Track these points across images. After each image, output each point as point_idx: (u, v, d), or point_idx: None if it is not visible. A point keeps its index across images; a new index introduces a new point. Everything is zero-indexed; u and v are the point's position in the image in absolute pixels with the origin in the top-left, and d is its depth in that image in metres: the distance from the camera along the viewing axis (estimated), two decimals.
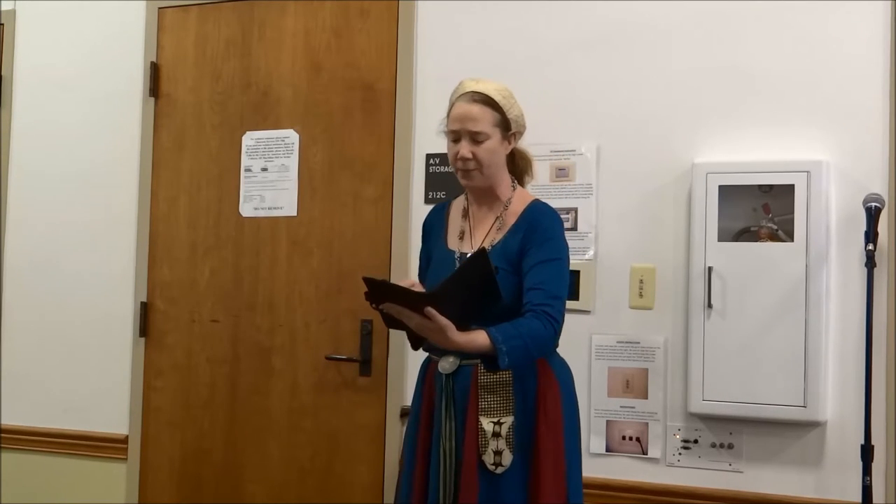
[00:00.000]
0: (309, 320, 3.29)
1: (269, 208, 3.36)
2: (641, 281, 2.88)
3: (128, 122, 3.57)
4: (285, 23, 3.38)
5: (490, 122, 2.35)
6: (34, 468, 3.61)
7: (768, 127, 2.77)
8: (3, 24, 3.78)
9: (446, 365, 2.33)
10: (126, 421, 3.51)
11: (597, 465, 2.85)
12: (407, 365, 3.11)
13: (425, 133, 3.15)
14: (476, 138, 2.35)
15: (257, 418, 3.34)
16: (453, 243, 2.45)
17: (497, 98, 2.36)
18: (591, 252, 2.91)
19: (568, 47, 3.00)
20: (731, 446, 2.77)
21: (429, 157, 3.15)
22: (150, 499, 3.47)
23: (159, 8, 3.55)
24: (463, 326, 2.16)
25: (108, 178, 3.59)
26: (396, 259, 3.15)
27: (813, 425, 2.68)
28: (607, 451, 2.89)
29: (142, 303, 3.51)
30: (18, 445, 3.64)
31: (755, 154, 2.76)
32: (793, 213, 2.67)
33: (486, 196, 2.43)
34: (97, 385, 3.56)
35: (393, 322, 2.19)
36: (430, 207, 3.08)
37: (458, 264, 2.38)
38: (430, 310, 2.10)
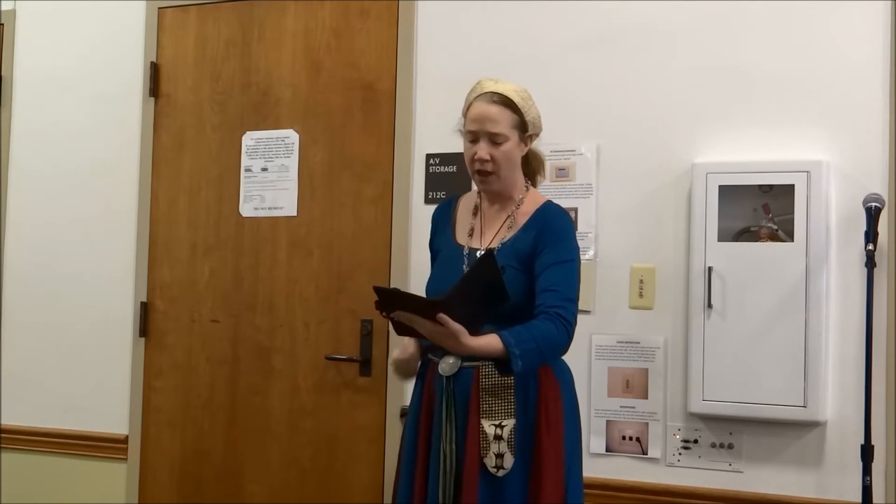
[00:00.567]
0: (309, 320, 3.29)
1: (269, 208, 3.36)
2: (641, 281, 2.88)
3: (128, 122, 3.57)
4: (285, 23, 3.38)
5: (508, 124, 2.34)
6: (34, 468, 3.61)
7: (768, 127, 2.77)
8: (3, 24, 3.78)
9: (446, 367, 2.32)
10: (126, 421, 3.51)
11: (597, 465, 2.85)
12: None
13: (425, 133, 3.16)
14: (495, 140, 2.34)
15: (257, 418, 3.34)
16: (462, 239, 2.45)
17: (516, 99, 2.35)
18: (591, 252, 2.91)
19: (568, 47, 3.00)
20: (731, 446, 2.77)
21: (429, 157, 3.15)
22: (150, 499, 3.47)
23: (159, 8, 3.55)
24: (473, 329, 2.15)
25: (108, 177, 3.59)
26: (396, 259, 3.15)
27: (813, 425, 2.68)
28: (607, 451, 2.89)
29: (142, 303, 3.51)
30: (18, 445, 3.64)
31: (755, 154, 2.76)
32: (793, 213, 2.67)
33: (499, 195, 2.43)
34: (97, 385, 3.56)
35: (404, 329, 2.19)
36: (430, 207, 3.10)
37: (466, 260, 2.38)
38: (443, 316, 2.09)
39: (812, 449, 2.69)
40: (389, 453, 3.13)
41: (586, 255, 2.90)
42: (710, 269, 2.74)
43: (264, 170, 3.38)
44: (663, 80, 2.89)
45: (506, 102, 2.34)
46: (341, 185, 3.28)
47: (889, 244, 2.64)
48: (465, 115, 2.41)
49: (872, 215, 2.54)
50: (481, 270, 2.17)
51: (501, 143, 2.34)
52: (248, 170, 3.40)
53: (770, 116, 2.77)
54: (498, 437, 2.26)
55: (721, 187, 2.74)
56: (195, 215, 3.47)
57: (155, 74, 3.54)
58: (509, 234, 2.37)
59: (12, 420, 3.66)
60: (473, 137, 2.36)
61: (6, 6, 3.78)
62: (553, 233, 2.32)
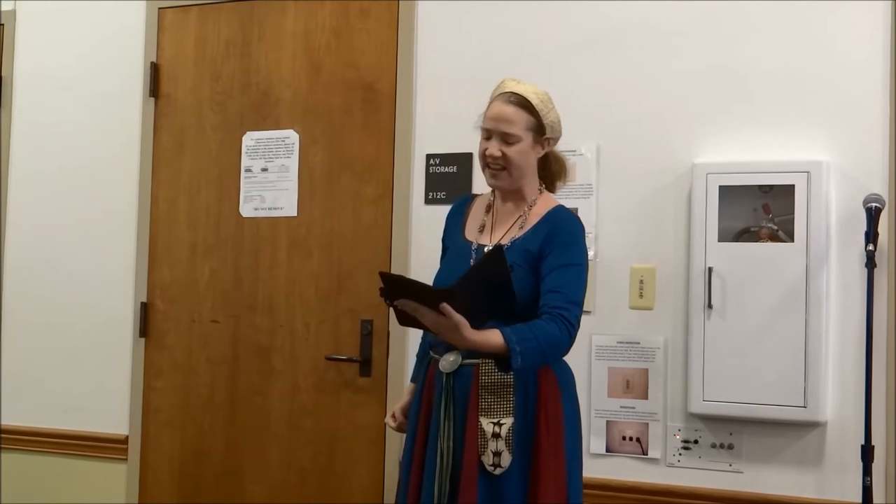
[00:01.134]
0: (309, 320, 3.29)
1: (269, 209, 3.36)
2: (641, 281, 2.88)
3: (128, 122, 3.57)
4: (285, 23, 3.38)
5: (523, 125, 2.35)
6: (34, 468, 3.61)
7: (768, 127, 2.77)
8: (3, 24, 3.78)
9: (447, 364, 2.33)
10: (126, 421, 3.51)
11: (597, 466, 2.85)
12: (407, 365, 3.10)
13: (425, 133, 3.16)
14: (507, 139, 2.35)
15: (257, 418, 3.34)
16: (471, 235, 2.46)
17: (534, 101, 2.36)
18: (592, 252, 2.91)
19: (568, 47, 3.00)
20: (731, 447, 2.77)
21: (429, 157, 3.15)
22: (150, 499, 3.47)
23: (159, 8, 3.55)
24: (477, 324, 2.16)
25: (108, 178, 3.59)
26: (396, 259, 3.15)
27: (813, 425, 2.68)
28: (607, 451, 2.89)
29: (142, 303, 3.51)
30: (18, 445, 3.64)
31: (755, 154, 2.76)
32: (793, 213, 2.67)
33: (512, 195, 2.44)
34: (97, 385, 3.56)
35: (406, 319, 2.18)
36: (430, 208, 3.12)
37: (473, 255, 2.39)
38: (446, 306, 2.09)
39: (812, 449, 2.69)
40: (389, 453, 3.13)
41: None
42: (710, 269, 2.74)
43: (264, 170, 3.38)
44: (663, 80, 2.89)
45: (523, 104, 2.35)
46: (341, 185, 3.28)
47: (889, 244, 2.64)
48: (485, 112, 2.43)
49: (872, 215, 2.54)
50: (488, 264, 2.17)
51: (513, 143, 2.35)
52: (248, 170, 3.40)
53: (770, 116, 2.77)
54: (496, 436, 2.26)
55: (721, 187, 2.74)
56: (195, 215, 3.47)
57: (155, 74, 3.54)
58: (519, 234, 2.38)
59: (12, 420, 3.66)
60: (487, 135, 2.39)
61: (6, 6, 3.78)
62: (562, 236, 2.33)
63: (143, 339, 3.51)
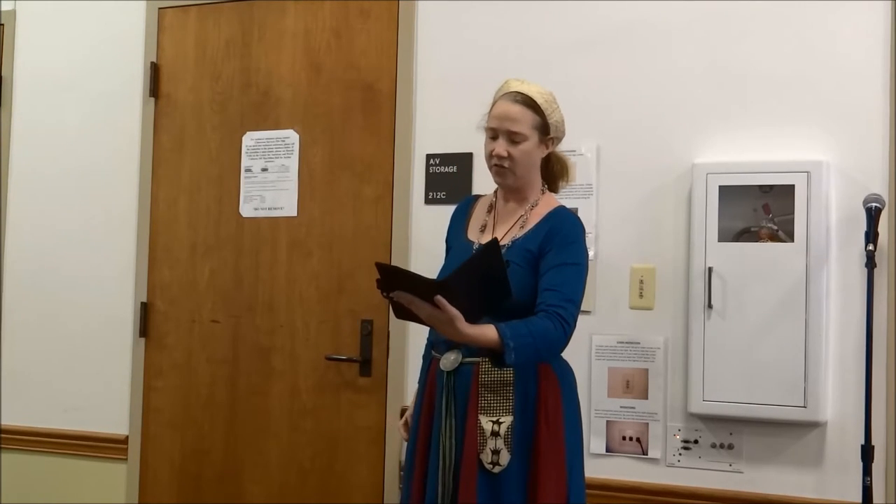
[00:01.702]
0: (309, 321, 3.29)
1: (270, 209, 3.36)
2: (641, 281, 2.88)
3: (128, 122, 3.57)
4: (285, 23, 3.38)
5: (529, 124, 2.36)
6: (34, 468, 3.61)
7: (768, 127, 2.77)
8: (3, 24, 3.78)
9: (447, 362, 2.34)
10: (126, 421, 3.51)
11: (597, 466, 2.85)
12: (407, 365, 3.11)
13: (425, 133, 3.16)
14: (513, 138, 2.36)
15: (257, 419, 3.34)
16: (473, 235, 2.47)
17: (539, 101, 2.37)
18: (592, 252, 2.90)
19: (568, 47, 3.00)
20: (731, 447, 2.77)
21: (429, 157, 3.15)
22: (150, 499, 3.47)
23: (159, 8, 3.55)
24: (473, 319, 2.16)
25: (108, 178, 3.59)
26: (396, 259, 3.15)
27: (813, 426, 2.68)
28: (607, 451, 2.89)
29: (142, 303, 3.51)
30: (18, 445, 3.64)
31: (755, 154, 2.76)
32: (793, 213, 2.67)
33: (515, 195, 2.45)
34: (97, 385, 3.56)
35: (402, 312, 2.18)
36: (430, 208, 3.12)
37: None
38: (440, 298, 2.09)
39: (812, 449, 2.69)
40: (390, 453, 3.13)
41: None
42: (710, 269, 2.74)
43: (264, 170, 3.38)
44: (663, 80, 2.89)
45: (528, 103, 2.36)
46: (341, 185, 3.28)
47: (889, 244, 2.64)
48: (489, 112, 2.43)
49: (872, 215, 2.54)
50: (484, 258, 2.17)
51: (520, 142, 2.36)
52: (248, 170, 3.40)
53: (770, 116, 2.77)
54: (495, 434, 2.26)
55: (721, 187, 2.74)
56: (195, 216, 3.47)
57: (155, 75, 3.54)
58: (520, 234, 2.38)
59: (12, 420, 3.66)
60: (493, 134, 2.39)
61: (6, 6, 3.78)
62: (562, 235, 2.33)
63: (143, 339, 3.51)
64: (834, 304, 2.67)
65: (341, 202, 3.27)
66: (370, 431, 3.19)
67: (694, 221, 2.78)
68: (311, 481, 3.27)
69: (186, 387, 3.45)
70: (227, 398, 3.39)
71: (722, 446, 2.78)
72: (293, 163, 3.34)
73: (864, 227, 2.56)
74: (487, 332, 2.17)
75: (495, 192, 2.52)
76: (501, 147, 2.36)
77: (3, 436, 3.65)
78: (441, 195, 3.11)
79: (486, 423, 2.27)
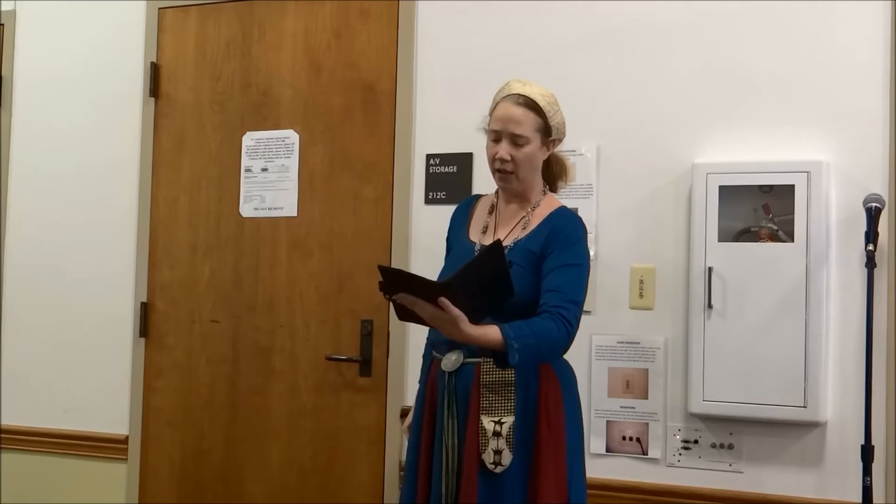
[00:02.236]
0: (309, 321, 3.29)
1: (270, 209, 3.36)
2: (641, 281, 2.88)
3: (128, 122, 3.57)
4: (285, 23, 3.38)
5: (532, 127, 2.36)
6: (34, 468, 3.61)
7: (768, 127, 2.77)
8: (3, 24, 3.78)
9: (449, 363, 2.34)
10: (126, 421, 3.51)
11: (597, 466, 2.85)
12: (407, 365, 3.11)
13: (425, 133, 3.16)
14: (517, 141, 2.36)
15: (257, 418, 3.34)
16: (475, 236, 2.47)
17: (542, 103, 2.36)
18: (592, 252, 2.90)
19: (568, 47, 3.00)
20: (731, 447, 2.77)
21: (429, 157, 3.15)
22: (150, 499, 3.47)
23: (159, 8, 3.55)
24: (475, 320, 2.16)
25: (109, 178, 3.59)
26: (396, 259, 3.15)
27: (813, 426, 2.68)
28: (607, 451, 2.89)
29: (142, 303, 3.51)
30: (18, 445, 3.64)
31: (755, 154, 2.76)
32: (793, 213, 2.67)
33: (516, 196, 2.45)
34: (97, 385, 3.56)
35: (405, 314, 2.19)
36: (430, 208, 3.12)
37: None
38: (444, 300, 2.10)
39: (812, 449, 2.69)
40: (390, 453, 3.14)
41: None
42: (710, 269, 2.74)
43: (264, 170, 3.38)
44: (663, 80, 2.89)
45: (531, 105, 2.36)
46: (341, 185, 3.28)
47: (889, 244, 2.64)
48: (490, 114, 2.43)
49: (872, 216, 2.54)
50: (487, 260, 2.18)
51: (523, 144, 2.36)
52: (248, 170, 3.40)
53: (770, 117, 2.77)
54: (497, 434, 2.26)
55: (721, 187, 2.74)
56: (195, 215, 3.47)
57: (155, 75, 3.54)
58: (522, 235, 2.38)
59: (12, 420, 3.66)
60: (496, 137, 2.39)
61: (6, 6, 3.78)
62: (564, 236, 2.33)
63: (143, 339, 3.51)
64: (834, 304, 2.67)
65: (341, 202, 3.27)
66: (370, 431, 3.19)
67: (694, 221, 2.78)
68: (311, 481, 3.27)
69: (186, 387, 3.45)
70: (227, 398, 3.39)
71: (722, 446, 2.78)
72: (293, 163, 3.34)
73: (864, 227, 2.56)
74: (491, 332, 2.17)
75: (496, 192, 2.52)
76: (505, 150, 2.36)
77: (3, 436, 3.65)
78: (441, 195, 3.11)
79: (487, 423, 2.28)
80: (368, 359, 3.20)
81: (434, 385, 2.40)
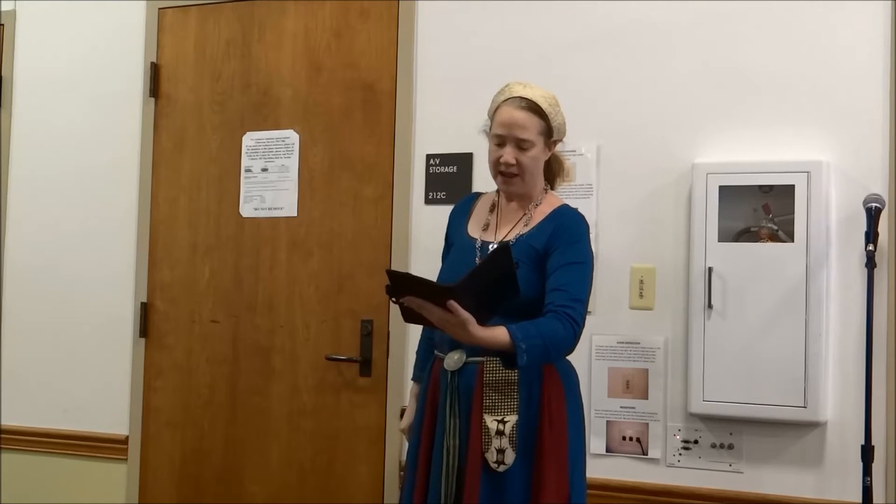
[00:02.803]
0: (309, 321, 3.29)
1: (270, 209, 3.36)
2: (641, 281, 2.88)
3: (128, 122, 3.57)
4: (285, 23, 3.38)
5: (536, 130, 2.36)
6: (34, 468, 3.61)
7: (768, 127, 2.77)
8: (3, 25, 3.78)
9: (451, 362, 2.34)
10: (126, 421, 3.51)
11: (597, 466, 2.85)
12: (407, 365, 3.10)
13: (425, 133, 3.16)
14: (522, 146, 2.36)
15: (257, 419, 3.34)
16: (475, 232, 2.47)
17: (544, 106, 2.37)
18: (592, 251, 2.91)
19: (568, 47, 3.00)
20: (731, 447, 2.77)
21: (429, 157, 3.15)
22: (150, 499, 3.47)
23: (159, 8, 3.55)
24: (481, 320, 2.16)
25: (109, 178, 3.59)
26: (396, 259, 3.15)
27: (813, 426, 2.68)
28: (607, 451, 2.89)
29: (142, 303, 3.51)
30: (18, 445, 3.64)
31: (755, 154, 2.76)
32: (793, 213, 2.67)
33: (518, 195, 2.45)
34: (97, 385, 3.56)
35: (412, 316, 2.19)
36: (430, 208, 3.12)
37: (478, 252, 2.40)
38: (453, 303, 2.10)
39: (812, 449, 2.69)
40: (390, 453, 3.14)
41: None
42: (710, 269, 2.74)
43: (264, 170, 3.38)
44: (663, 80, 2.89)
45: (534, 109, 2.36)
46: (341, 185, 3.28)
47: (889, 244, 2.64)
48: (491, 117, 2.43)
49: (873, 216, 2.54)
50: (496, 262, 2.18)
51: (528, 149, 2.36)
52: (248, 170, 3.40)
53: (770, 117, 2.77)
54: (500, 433, 2.27)
55: (721, 187, 2.74)
56: (195, 216, 3.47)
57: (155, 75, 3.54)
58: (525, 231, 2.39)
59: (12, 420, 3.66)
60: (500, 141, 2.38)
61: (6, 6, 3.78)
62: (568, 234, 2.34)
63: (143, 340, 3.51)
64: (834, 305, 2.67)
65: (341, 202, 3.27)
66: (370, 431, 3.19)
67: (694, 221, 2.78)
68: (311, 481, 3.27)
69: (186, 387, 3.45)
70: (227, 398, 3.39)
71: (722, 446, 2.78)
72: (293, 163, 3.34)
73: (864, 227, 2.56)
74: (499, 334, 2.18)
75: (497, 190, 2.52)
76: (510, 154, 2.36)
77: (3, 436, 3.65)
78: (441, 195, 3.11)
79: (490, 422, 2.28)
80: (368, 359, 3.20)
81: (436, 384, 2.40)
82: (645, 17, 2.91)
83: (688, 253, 2.81)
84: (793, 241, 2.67)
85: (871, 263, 2.50)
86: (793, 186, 2.68)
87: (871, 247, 2.50)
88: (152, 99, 3.54)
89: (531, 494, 2.27)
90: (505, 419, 2.28)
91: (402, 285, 2.15)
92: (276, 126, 3.37)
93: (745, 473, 2.75)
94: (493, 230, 2.45)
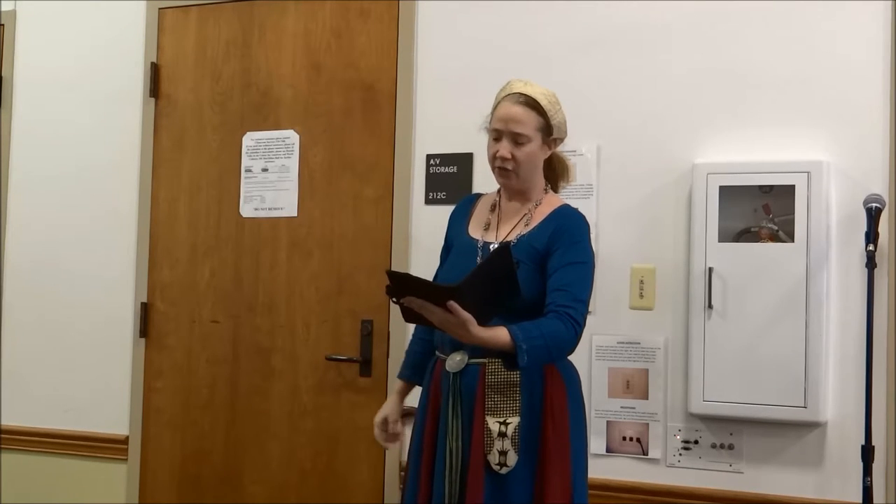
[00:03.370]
0: (309, 321, 3.29)
1: (270, 209, 3.36)
2: (642, 281, 2.88)
3: (128, 122, 3.57)
4: (285, 23, 3.38)
5: (533, 126, 2.36)
6: (34, 468, 3.61)
7: (768, 127, 2.77)
8: (3, 25, 3.78)
9: (453, 363, 2.34)
10: (126, 421, 3.51)
11: (597, 466, 2.84)
12: None
13: (425, 133, 3.16)
14: (517, 140, 2.36)
15: (258, 419, 3.34)
16: (476, 232, 2.47)
17: (543, 102, 2.37)
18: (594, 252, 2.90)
19: (568, 47, 3.00)
20: (731, 447, 2.77)
21: (429, 157, 3.15)
22: (151, 499, 3.47)
23: (159, 8, 3.55)
24: (482, 321, 2.16)
25: (109, 178, 3.59)
26: (396, 260, 3.15)
27: (813, 426, 2.68)
28: (608, 451, 2.89)
29: (142, 303, 3.51)
30: (18, 445, 3.64)
31: (755, 154, 2.76)
32: (793, 213, 2.67)
33: (518, 195, 2.46)
34: (97, 386, 3.56)
35: (412, 316, 2.19)
36: (430, 208, 3.12)
37: (479, 252, 2.40)
38: (453, 304, 2.10)
39: (812, 449, 2.69)
40: (390, 454, 3.13)
41: None
42: (710, 269, 2.74)
43: (264, 170, 3.38)
44: (663, 80, 2.89)
45: (532, 104, 2.36)
46: (341, 185, 3.28)
47: (889, 245, 2.64)
48: (492, 113, 2.43)
49: (873, 216, 2.54)
50: (496, 262, 2.18)
51: (524, 143, 2.36)
52: (248, 170, 3.40)
53: (770, 116, 2.77)
54: (502, 435, 2.26)
55: (721, 188, 2.74)
56: (195, 216, 3.47)
57: (155, 75, 3.54)
58: (526, 231, 2.39)
59: (12, 420, 3.66)
60: (497, 136, 2.40)
61: (6, 6, 3.78)
62: (569, 234, 2.34)
63: (143, 340, 3.51)
64: (834, 305, 2.67)
65: (341, 202, 3.27)
66: (370, 432, 3.14)
67: (694, 221, 2.78)
68: (312, 481, 3.27)
69: (186, 387, 3.45)
70: (228, 398, 3.39)
71: (722, 446, 2.78)
72: (293, 163, 3.34)
73: (864, 227, 2.56)
74: (500, 334, 2.18)
75: (498, 191, 2.52)
76: (505, 149, 2.37)
77: (3, 436, 3.65)
78: (441, 195, 3.11)
79: (493, 424, 2.28)
80: (368, 359, 3.20)
81: (438, 385, 2.40)
82: (645, 17, 2.91)
83: (688, 253, 2.81)
84: (793, 241, 2.67)
85: (871, 263, 2.50)
86: (793, 186, 2.68)
87: (871, 247, 2.50)
88: (152, 99, 3.54)
89: (535, 496, 2.26)
90: (507, 421, 2.27)
91: (402, 285, 2.15)
92: (277, 126, 3.37)
93: (745, 473, 2.75)
94: (493, 230, 2.46)
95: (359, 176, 3.25)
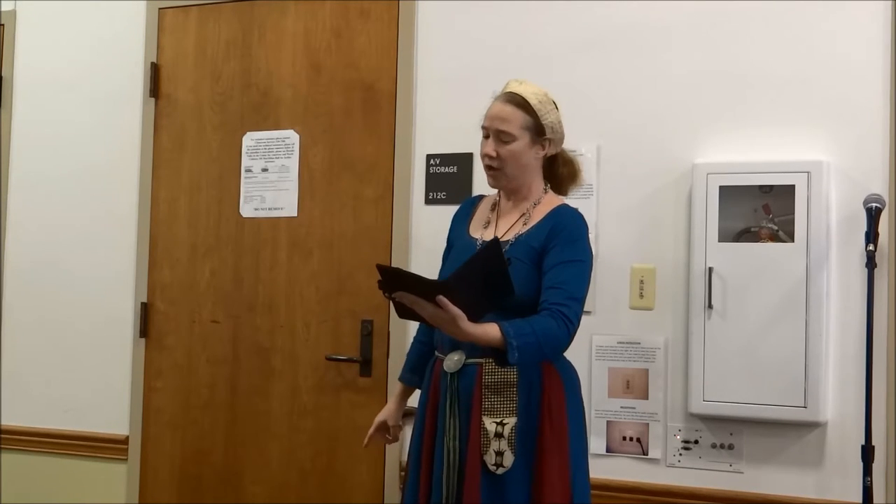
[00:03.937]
0: (309, 321, 3.29)
1: (270, 209, 3.36)
2: (642, 281, 2.88)
3: (128, 122, 3.57)
4: (285, 23, 3.38)
5: (519, 125, 2.36)
6: (34, 468, 3.61)
7: (768, 127, 2.77)
8: (3, 25, 3.78)
9: (451, 363, 2.34)
10: (126, 422, 3.51)
11: (597, 466, 2.83)
12: None
13: (425, 133, 3.16)
14: (502, 138, 2.37)
15: (257, 419, 3.34)
16: (476, 231, 2.48)
17: (532, 101, 2.37)
18: (592, 252, 2.90)
19: (568, 47, 3.00)
20: (731, 447, 2.77)
21: (429, 157, 3.15)
22: (151, 499, 3.47)
23: (159, 8, 3.55)
24: (475, 317, 2.16)
25: (109, 178, 3.59)
26: (396, 260, 3.15)
27: (813, 426, 2.68)
28: (608, 451, 2.89)
29: (142, 303, 3.51)
30: (18, 445, 3.64)
31: (755, 154, 2.76)
32: (793, 213, 2.67)
33: (516, 194, 2.46)
34: (97, 386, 3.56)
35: (405, 311, 2.19)
36: (430, 208, 3.12)
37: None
38: (442, 299, 2.10)
39: (812, 449, 2.69)
40: (390, 453, 3.13)
41: None
42: (710, 269, 2.74)
43: (264, 170, 3.38)
44: (664, 80, 2.89)
45: (520, 103, 2.37)
46: (341, 185, 3.28)
47: (889, 244, 2.64)
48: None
49: (873, 216, 2.54)
50: (485, 256, 2.18)
51: (508, 141, 2.36)
52: (248, 170, 3.40)
53: (770, 116, 2.77)
54: (499, 435, 2.26)
55: (721, 188, 2.74)
56: (195, 216, 3.47)
57: (155, 75, 3.54)
58: (524, 230, 2.39)
59: (12, 420, 3.66)
60: (486, 133, 2.41)
61: (6, 6, 3.78)
62: (566, 233, 2.33)
63: (143, 340, 3.51)
64: (834, 305, 2.67)
65: (341, 202, 3.27)
66: None
67: (694, 221, 2.78)
68: (312, 481, 3.27)
69: (186, 387, 3.45)
70: (228, 398, 3.39)
71: (722, 446, 2.78)
72: (293, 163, 3.34)
73: (864, 227, 2.56)
74: (490, 330, 2.17)
75: (499, 191, 2.52)
76: (490, 147, 2.38)
77: (3, 436, 3.65)
78: (441, 195, 3.11)
79: (489, 424, 2.27)
80: (368, 359, 3.20)
81: (437, 385, 2.40)
82: (645, 17, 2.91)
83: (688, 253, 2.81)
84: (793, 241, 2.67)
85: (871, 263, 2.50)
86: (793, 186, 2.68)
87: (871, 247, 2.50)
88: (152, 99, 3.54)
89: (533, 495, 2.26)
90: (504, 421, 2.27)
91: (393, 280, 2.15)
92: (277, 126, 3.37)
93: (745, 473, 2.75)
94: (492, 229, 2.46)
95: (359, 176, 3.25)
